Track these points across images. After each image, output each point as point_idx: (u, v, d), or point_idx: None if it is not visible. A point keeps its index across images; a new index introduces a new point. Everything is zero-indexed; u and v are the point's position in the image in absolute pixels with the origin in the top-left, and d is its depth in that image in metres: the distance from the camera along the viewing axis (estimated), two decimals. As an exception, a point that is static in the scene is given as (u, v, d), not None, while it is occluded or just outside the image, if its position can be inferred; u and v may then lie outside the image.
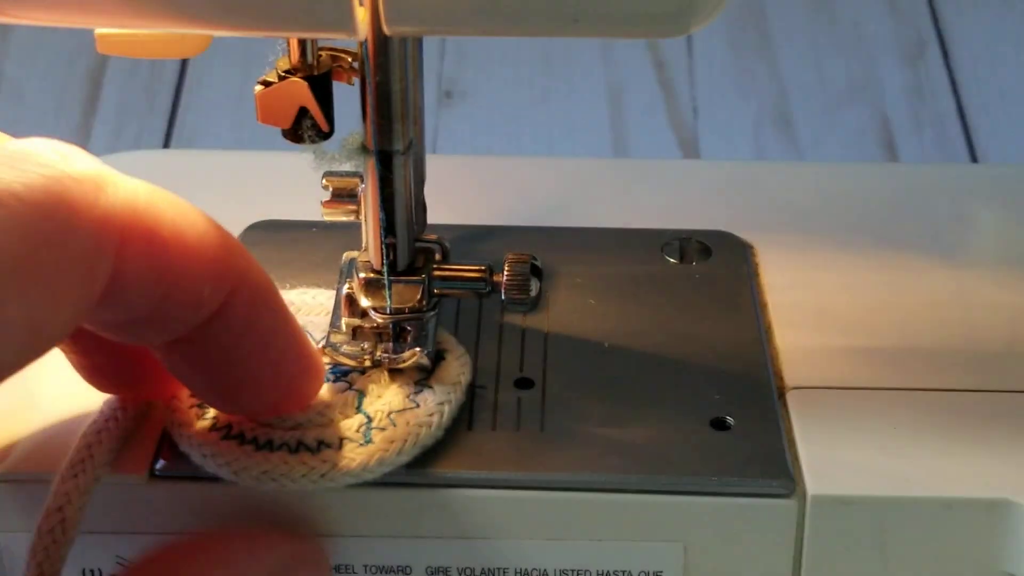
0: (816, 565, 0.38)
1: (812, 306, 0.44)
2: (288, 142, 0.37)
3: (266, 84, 0.37)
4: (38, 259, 0.28)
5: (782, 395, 0.40)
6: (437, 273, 0.40)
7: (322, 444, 0.37)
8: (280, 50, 0.37)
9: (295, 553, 0.36)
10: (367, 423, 0.37)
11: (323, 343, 0.39)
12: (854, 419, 0.39)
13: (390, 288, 0.39)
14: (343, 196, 0.40)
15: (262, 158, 0.52)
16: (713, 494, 0.37)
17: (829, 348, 0.42)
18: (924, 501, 0.37)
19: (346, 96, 0.38)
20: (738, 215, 0.47)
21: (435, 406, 0.38)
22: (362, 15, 0.32)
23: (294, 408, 0.37)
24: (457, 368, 0.39)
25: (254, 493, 0.36)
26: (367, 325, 0.40)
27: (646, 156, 0.82)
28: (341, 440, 0.37)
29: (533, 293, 0.40)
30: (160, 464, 0.37)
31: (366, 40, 0.36)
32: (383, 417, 0.37)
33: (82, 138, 0.83)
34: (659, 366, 0.41)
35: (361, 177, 0.39)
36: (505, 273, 0.40)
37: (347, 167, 0.38)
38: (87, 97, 0.87)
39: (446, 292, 0.40)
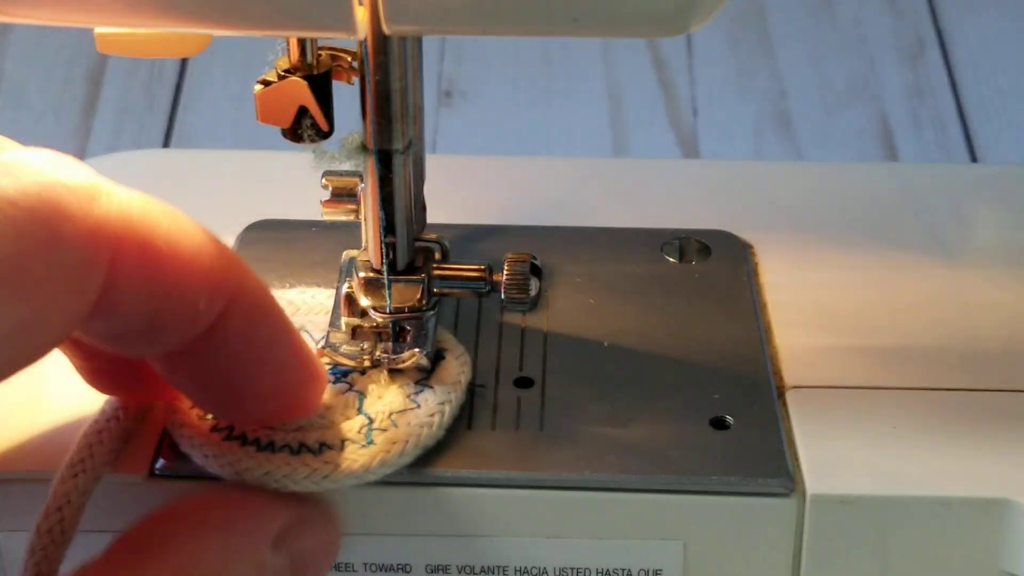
0: (815, 564, 0.38)
1: (812, 305, 0.44)
2: (288, 141, 0.37)
3: (266, 83, 0.37)
4: (29, 265, 0.28)
5: (782, 394, 0.40)
6: (437, 272, 0.40)
7: (324, 446, 0.37)
8: (280, 49, 0.37)
9: (301, 515, 0.36)
10: (368, 424, 0.37)
11: (322, 343, 0.39)
12: (854, 418, 0.39)
13: (390, 287, 0.39)
14: (343, 195, 0.40)
15: (262, 157, 0.52)
16: (713, 493, 0.37)
17: (829, 347, 0.42)
18: (923, 500, 0.37)
19: (346, 95, 0.38)
20: (738, 215, 0.47)
21: (436, 406, 0.38)
22: (362, 14, 0.32)
23: (296, 415, 0.37)
24: (457, 367, 0.39)
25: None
26: (367, 325, 0.40)
27: (646, 156, 0.82)
28: (343, 442, 0.37)
29: (533, 292, 0.40)
30: (160, 464, 0.37)
31: (366, 39, 0.36)
32: (384, 418, 0.37)
33: (82, 137, 0.83)
34: (659, 365, 0.41)
35: (361, 176, 0.39)
36: (505, 272, 0.40)
37: (347, 166, 0.38)
38: (87, 96, 0.87)
39: (446, 291, 0.40)
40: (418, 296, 0.39)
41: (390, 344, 0.39)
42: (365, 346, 0.39)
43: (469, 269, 0.40)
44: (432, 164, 0.41)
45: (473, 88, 0.88)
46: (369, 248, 0.39)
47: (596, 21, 0.32)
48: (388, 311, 0.39)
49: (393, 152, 0.38)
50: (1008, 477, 0.38)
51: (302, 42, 0.36)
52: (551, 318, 0.43)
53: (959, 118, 0.85)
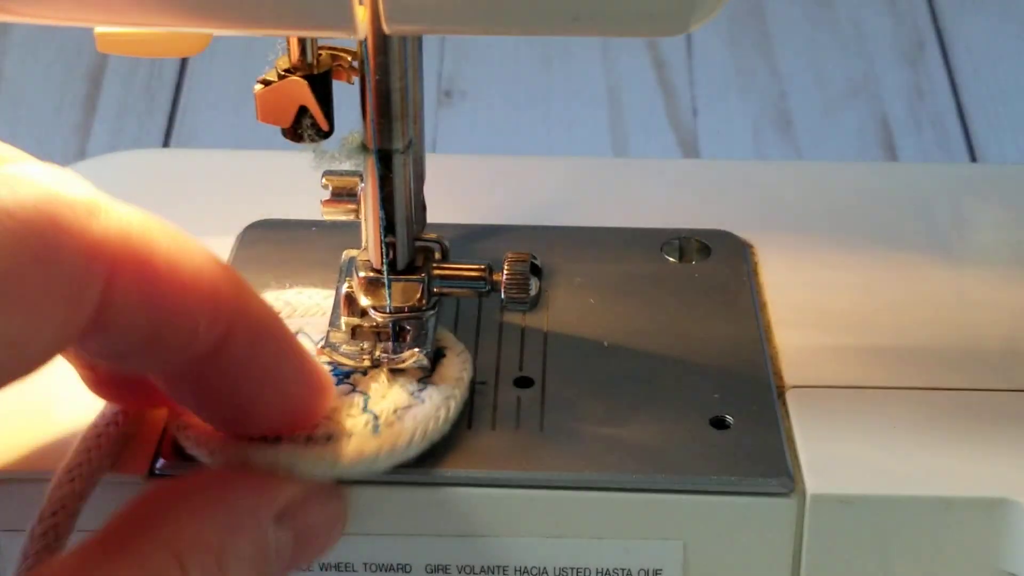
0: (815, 564, 0.38)
1: (811, 305, 0.44)
2: (288, 141, 0.37)
3: (266, 83, 0.37)
4: (23, 276, 0.28)
5: (781, 394, 0.40)
6: (437, 272, 0.40)
7: (331, 438, 0.37)
8: (280, 49, 0.37)
9: (305, 490, 0.35)
10: (375, 420, 0.37)
11: (322, 343, 0.39)
12: (853, 418, 0.39)
13: (390, 287, 0.39)
14: (343, 195, 0.40)
15: (262, 157, 0.52)
16: (713, 493, 0.37)
17: (828, 347, 0.42)
18: (923, 500, 0.37)
19: (346, 95, 0.38)
20: (737, 214, 0.47)
21: (441, 400, 0.38)
22: (362, 14, 0.32)
23: (302, 428, 0.37)
24: (459, 364, 0.39)
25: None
26: (366, 324, 0.40)
27: (645, 155, 0.82)
28: (350, 436, 0.37)
29: (533, 292, 0.40)
30: (160, 464, 0.37)
31: (366, 39, 0.36)
32: (390, 414, 0.37)
33: (82, 137, 0.83)
34: (658, 365, 0.41)
35: (361, 176, 0.39)
36: (505, 272, 0.40)
37: (347, 166, 0.38)
38: (87, 96, 0.87)
39: (446, 291, 0.40)
40: (418, 296, 0.39)
41: (390, 344, 0.39)
42: (365, 346, 0.39)
43: (469, 269, 0.40)
44: (432, 164, 0.41)
45: (473, 88, 0.88)
46: (369, 248, 0.39)
47: (596, 20, 0.31)
48: (388, 311, 0.39)
49: (393, 152, 0.38)
50: (1008, 477, 0.38)
51: (302, 42, 0.36)
52: (551, 318, 0.43)
53: (959, 118, 0.85)
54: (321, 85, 0.36)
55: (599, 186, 0.50)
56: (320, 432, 0.37)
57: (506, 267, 0.40)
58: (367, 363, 0.39)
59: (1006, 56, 0.89)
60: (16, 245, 0.28)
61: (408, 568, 0.38)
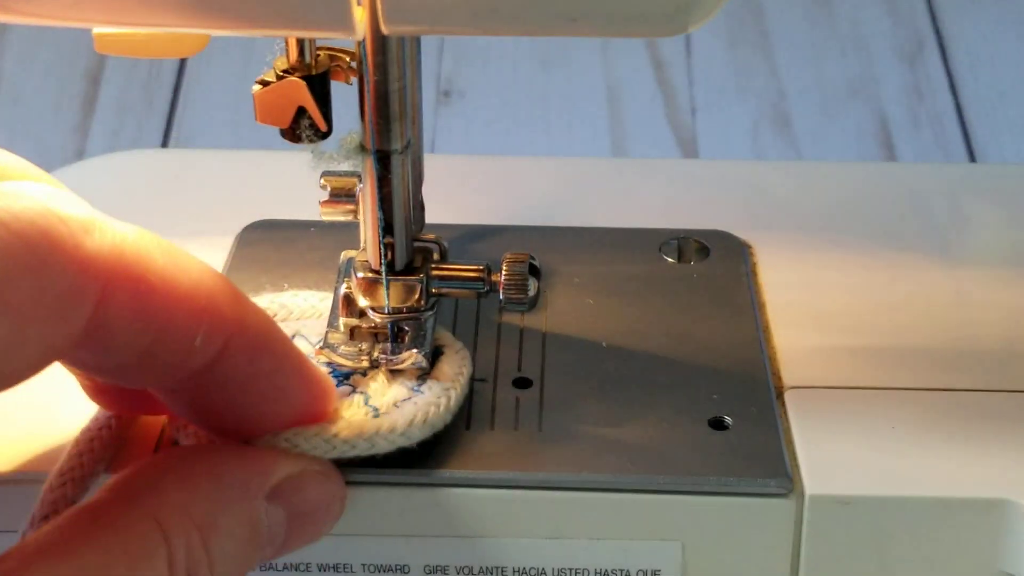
0: (814, 564, 0.38)
1: (810, 306, 0.44)
2: (286, 142, 0.37)
3: (264, 84, 0.36)
4: (12, 286, 0.28)
5: (780, 395, 0.40)
6: (435, 273, 0.40)
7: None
8: (278, 49, 0.37)
9: (301, 468, 0.35)
10: (375, 411, 0.37)
11: (320, 344, 0.39)
12: (852, 419, 0.39)
13: (388, 288, 0.39)
14: (341, 196, 0.40)
15: (260, 158, 0.52)
16: (711, 493, 0.37)
17: (827, 348, 0.42)
18: (922, 501, 0.37)
19: (344, 96, 0.38)
20: (736, 214, 0.47)
21: (441, 391, 0.38)
22: (360, 14, 0.32)
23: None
24: (458, 361, 0.39)
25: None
26: (365, 325, 0.40)
27: (644, 155, 0.82)
28: (351, 421, 0.37)
29: (531, 293, 0.40)
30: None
31: (364, 39, 0.36)
32: (390, 406, 0.37)
33: (80, 137, 0.83)
34: (657, 366, 0.41)
35: (359, 177, 0.39)
36: (503, 273, 0.40)
37: (345, 167, 0.38)
38: (85, 96, 0.87)
39: (444, 292, 0.40)
40: (416, 296, 0.39)
41: (388, 345, 0.39)
42: (363, 347, 0.39)
43: (468, 269, 0.40)
44: (430, 164, 0.41)
45: (471, 88, 0.88)
46: (368, 248, 0.39)
47: (595, 21, 0.31)
48: (386, 311, 0.39)
49: (391, 152, 0.38)
50: (1008, 477, 0.38)
51: (300, 42, 0.36)
52: (550, 318, 0.43)
53: (957, 118, 0.85)
54: (319, 86, 0.36)
55: (598, 186, 0.50)
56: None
57: (504, 268, 0.40)
58: (365, 364, 0.39)
59: (1005, 56, 0.89)
60: (7, 256, 0.28)
61: (407, 569, 0.38)
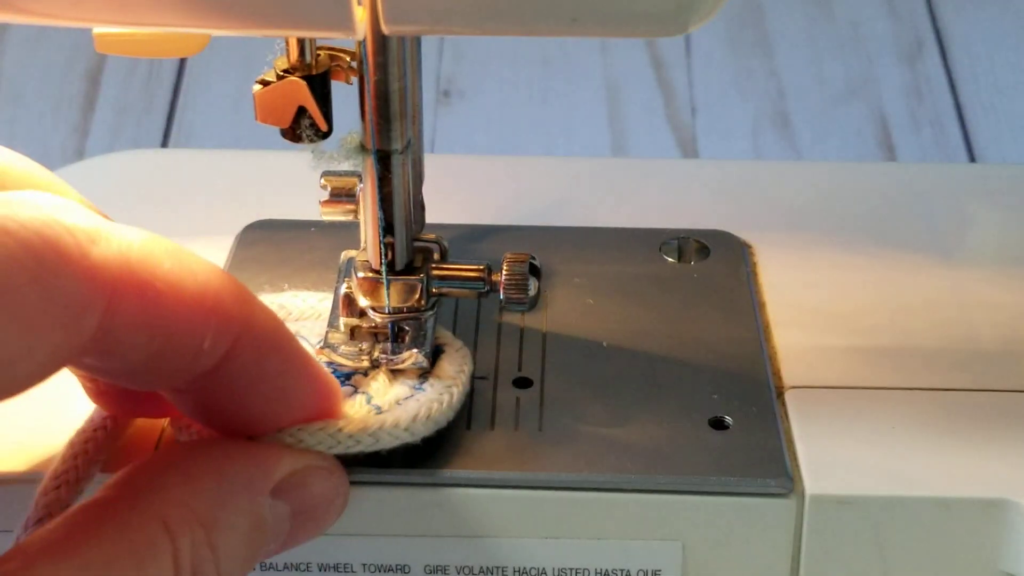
0: (814, 564, 0.38)
1: (810, 305, 0.44)
2: (286, 141, 0.37)
3: (264, 83, 0.36)
4: (19, 296, 0.28)
5: (780, 394, 0.40)
6: (435, 272, 0.40)
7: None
8: (278, 49, 0.37)
9: (304, 463, 0.35)
10: (378, 409, 0.37)
11: (320, 344, 0.39)
12: (852, 419, 0.39)
13: (388, 288, 0.39)
14: (341, 195, 0.40)
15: (260, 157, 0.52)
16: (711, 493, 0.37)
17: (827, 347, 0.42)
18: (922, 500, 0.37)
19: (345, 95, 0.38)
20: (736, 214, 0.47)
21: (443, 387, 0.38)
22: (361, 14, 0.32)
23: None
24: (458, 359, 0.39)
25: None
26: (365, 325, 0.40)
27: (644, 155, 0.82)
28: (355, 418, 0.37)
29: (532, 292, 0.40)
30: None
31: (365, 39, 0.36)
32: (392, 404, 0.37)
33: (80, 137, 0.83)
34: (657, 366, 0.41)
35: (359, 176, 0.39)
36: (504, 272, 0.40)
37: (345, 166, 0.38)
38: (85, 96, 0.87)
39: (444, 292, 0.40)
40: (417, 296, 0.39)
41: (389, 344, 0.39)
42: (363, 346, 0.39)
43: (468, 269, 0.40)
44: (431, 164, 0.41)
45: (471, 88, 0.88)
46: (368, 248, 0.39)
47: (595, 21, 0.31)
48: (387, 311, 0.39)
49: (392, 152, 0.38)
50: (1008, 477, 0.38)
51: (301, 42, 0.36)
52: (550, 318, 0.43)
53: (957, 118, 0.85)
54: (320, 85, 0.36)
55: (598, 186, 0.50)
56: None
57: (505, 267, 0.40)
58: (366, 364, 0.39)
59: (1005, 56, 0.89)
60: (15, 266, 0.28)
61: (407, 569, 0.38)
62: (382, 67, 0.36)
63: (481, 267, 0.40)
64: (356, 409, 0.37)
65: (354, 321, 0.40)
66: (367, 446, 0.36)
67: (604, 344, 0.42)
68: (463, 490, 0.37)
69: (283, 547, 0.35)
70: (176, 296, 0.31)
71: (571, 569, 0.38)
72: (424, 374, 0.39)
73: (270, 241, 0.46)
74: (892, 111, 0.85)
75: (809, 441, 0.39)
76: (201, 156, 0.55)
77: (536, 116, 0.85)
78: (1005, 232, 0.48)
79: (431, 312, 0.40)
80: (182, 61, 0.89)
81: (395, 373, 0.39)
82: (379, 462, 0.37)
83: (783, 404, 0.40)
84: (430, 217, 0.41)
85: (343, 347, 0.39)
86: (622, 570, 0.38)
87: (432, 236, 0.40)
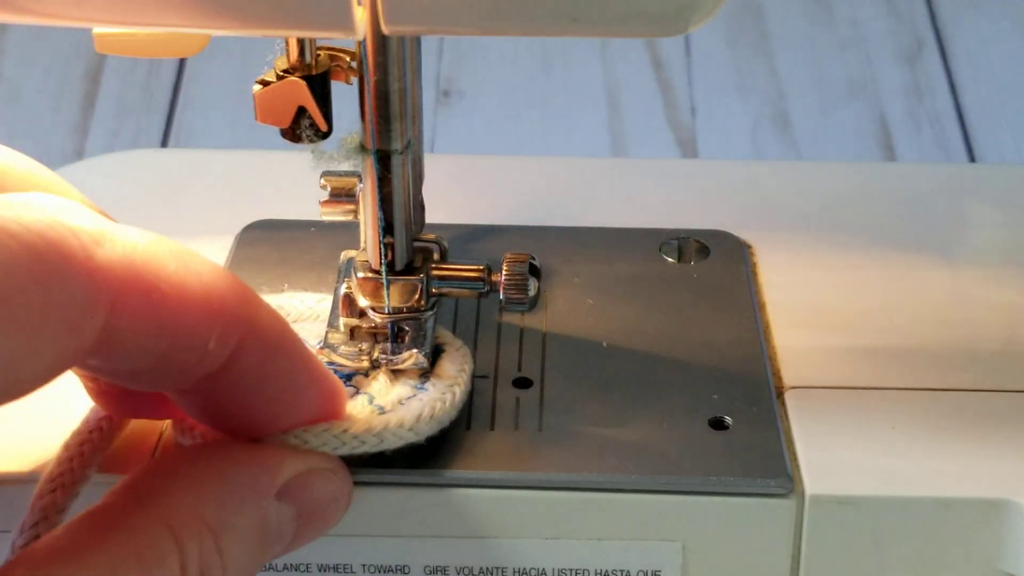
0: (814, 564, 0.38)
1: (810, 305, 0.44)
2: (286, 141, 0.37)
3: (264, 84, 0.36)
4: (23, 298, 0.28)
5: (780, 395, 0.40)
6: (435, 272, 0.40)
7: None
8: (278, 49, 0.37)
9: (308, 464, 0.35)
10: (381, 409, 0.37)
11: (320, 344, 0.39)
12: (852, 419, 0.39)
13: (388, 288, 0.39)
14: (341, 196, 0.40)
15: (260, 157, 0.52)
16: (712, 493, 0.37)
17: (827, 348, 0.42)
18: (922, 501, 0.37)
19: (344, 96, 0.38)
20: (736, 214, 0.47)
21: (445, 387, 0.38)
22: (361, 14, 0.32)
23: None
24: (459, 358, 0.39)
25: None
26: (365, 325, 0.40)
27: (644, 155, 0.82)
28: (358, 418, 0.37)
29: (531, 293, 0.40)
30: (158, 464, 0.37)
31: (365, 39, 0.36)
32: (395, 404, 0.37)
33: (80, 137, 0.83)
34: (657, 366, 0.41)
35: (359, 177, 0.39)
36: (503, 273, 0.39)
37: (345, 167, 0.38)
38: (85, 96, 0.86)
39: (444, 292, 0.40)
40: (416, 296, 0.39)
41: (388, 345, 0.39)
42: (363, 347, 0.39)
43: (468, 269, 0.40)
44: (430, 164, 0.41)
45: (471, 88, 0.87)
46: (368, 248, 0.39)
47: (596, 21, 0.31)
48: (387, 311, 0.39)
49: (392, 152, 0.38)
50: (1008, 477, 0.38)
51: (301, 42, 0.36)
52: (550, 318, 0.43)
53: (957, 118, 0.85)
54: (320, 85, 0.36)
55: (598, 186, 0.50)
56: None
57: (505, 268, 0.40)
58: (365, 364, 0.39)
59: (1005, 56, 0.89)
60: (18, 268, 0.28)
61: (406, 569, 0.38)
62: (382, 67, 0.36)
63: (481, 267, 0.40)
64: (359, 410, 0.37)
65: (354, 321, 0.40)
66: (372, 446, 0.36)
67: (604, 344, 0.42)
68: (463, 490, 0.37)
69: (288, 548, 0.35)
70: (181, 297, 0.31)
71: (571, 569, 0.38)
72: (425, 374, 0.39)
73: (270, 241, 0.46)
74: (892, 111, 0.85)
75: (809, 441, 0.38)
76: (201, 156, 0.55)
77: (536, 116, 0.85)
78: (1005, 232, 0.48)
79: (431, 312, 0.40)
80: (182, 61, 0.89)
81: (396, 373, 0.39)
82: (379, 463, 0.37)
83: (783, 404, 0.40)
84: (430, 217, 0.41)
85: (343, 347, 0.39)
86: (622, 570, 0.38)
87: (432, 236, 0.40)
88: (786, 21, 0.92)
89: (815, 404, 0.40)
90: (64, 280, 0.29)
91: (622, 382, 0.40)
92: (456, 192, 0.48)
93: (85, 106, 0.86)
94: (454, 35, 0.35)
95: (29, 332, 0.28)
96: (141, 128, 0.85)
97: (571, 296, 0.43)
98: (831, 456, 0.38)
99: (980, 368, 0.41)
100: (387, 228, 0.39)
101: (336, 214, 0.40)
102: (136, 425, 0.38)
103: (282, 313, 0.41)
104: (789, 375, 0.41)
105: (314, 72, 0.36)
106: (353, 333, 0.40)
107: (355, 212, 0.40)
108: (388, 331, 0.40)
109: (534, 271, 0.40)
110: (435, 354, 0.40)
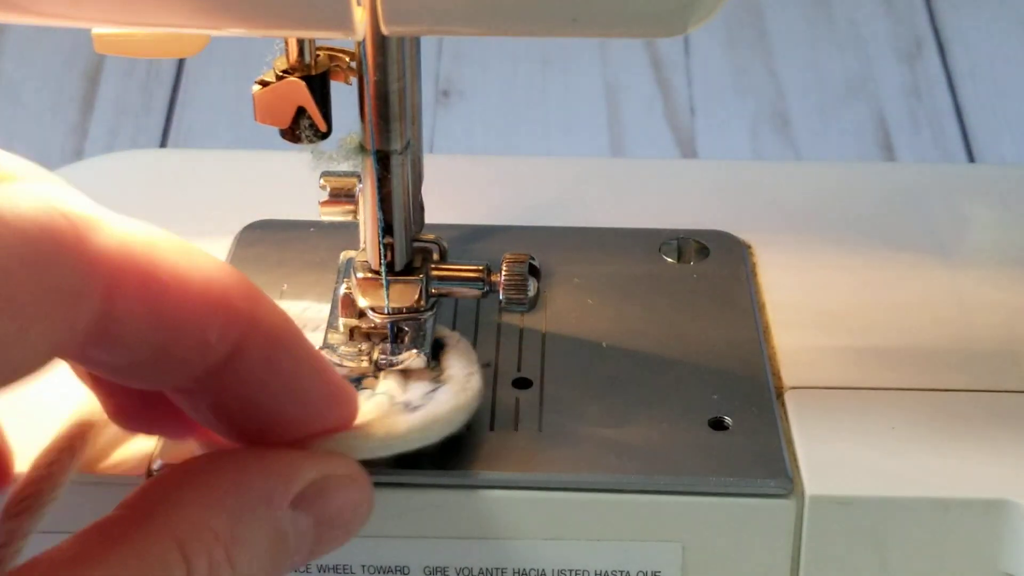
0: (814, 565, 0.38)
1: (810, 306, 0.44)
2: (286, 142, 0.37)
3: (264, 84, 0.36)
4: (14, 283, 0.28)
5: (780, 395, 0.40)
6: (435, 273, 0.40)
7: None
8: (278, 50, 0.37)
9: (325, 473, 0.34)
10: (405, 406, 0.37)
11: (319, 345, 0.39)
12: (852, 419, 0.39)
13: (388, 288, 0.39)
14: (341, 196, 0.40)
15: (260, 158, 0.52)
16: (711, 494, 0.37)
17: (827, 348, 0.42)
18: (922, 501, 0.37)
19: (344, 96, 0.38)
20: (736, 215, 0.47)
21: (464, 377, 0.38)
22: (360, 15, 0.32)
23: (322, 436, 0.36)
24: (463, 349, 0.39)
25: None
26: (365, 325, 0.40)
27: (643, 155, 0.82)
28: (381, 420, 0.37)
29: (531, 293, 0.40)
30: (158, 464, 0.37)
31: (364, 40, 0.36)
32: (420, 398, 0.37)
33: (79, 137, 0.83)
34: (657, 366, 0.41)
35: (359, 177, 0.39)
36: (503, 273, 0.39)
37: (345, 167, 0.38)
38: (84, 96, 0.86)
39: (444, 292, 0.40)
40: (416, 297, 0.39)
41: (388, 345, 0.39)
42: (363, 347, 0.39)
43: (467, 270, 0.40)
44: (430, 164, 0.41)
45: (470, 88, 0.87)
46: (367, 249, 0.39)
47: (595, 21, 0.31)
48: (386, 312, 0.39)
49: (391, 152, 0.38)
50: (1008, 478, 0.38)
51: (300, 42, 0.36)
52: (549, 319, 0.43)
53: (956, 118, 0.85)
54: (319, 86, 0.36)
55: (597, 186, 0.50)
56: None
57: (504, 268, 0.40)
58: (365, 364, 0.39)
59: (1004, 56, 0.89)
60: (10, 254, 0.28)
61: (406, 570, 0.38)
62: (381, 67, 0.36)
63: (480, 268, 0.40)
64: (385, 410, 0.37)
65: (353, 322, 0.40)
66: (420, 441, 0.36)
67: (604, 344, 0.42)
68: (462, 491, 0.37)
69: (309, 557, 0.34)
70: (180, 287, 0.31)
71: (571, 570, 0.38)
72: (436, 377, 0.39)
73: (269, 241, 0.46)
74: (891, 111, 0.85)
75: (809, 442, 0.38)
76: (200, 156, 0.55)
77: (535, 116, 0.85)
78: (1004, 232, 0.48)
79: (430, 312, 0.40)
80: (181, 61, 0.89)
81: (405, 373, 0.39)
82: (379, 463, 0.37)
83: (783, 405, 0.40)
84: (429, 217, 0.41)
85: (342, 348, 0.39)
86: (622, 571, 0.38)
87: (431, 236, 0.40)
88: (785, 21, 0.92)
89: (815, 404, 0.40)
90: (56, 265, 0.29)
91: (622, 382, 0.40)
92: (455, 192, 0.48)
93: (84, 106, 0.86)
94: (454, 35, 0.34)
95: (20, 317, 0.28)
96: (140, 128, 0.85)
97: (571, 296, 0.43)
98: (831, 456, 0.38)
99: (980, 368, 0.41)
100: (386, 228, 0.39)
101: (336, 214, 0.40)
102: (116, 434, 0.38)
103: None
104: (789, 375, 0.41)
105: (313, 72, 0.36)
106: (353, 334, 0.40)
107: (354, 212, 0.40)
108: (388, 331, 0.40)
109: (534, 271, 0.40)
110: (435, 348, 0.40)
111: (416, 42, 0.37)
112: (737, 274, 0.44)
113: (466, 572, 0.38)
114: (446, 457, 0.38)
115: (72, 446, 0.36)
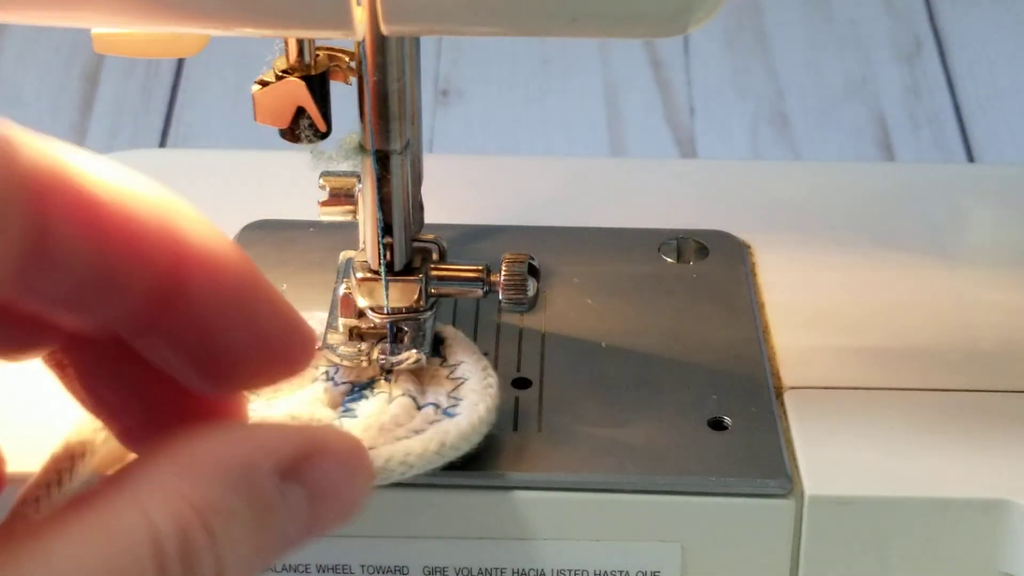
0: (814, 565, 0.38)
1: (809, 306, 0.44)
2: (285, 142, 0.37)
3: (264, 84, 0.36)
4: None
5: (779, 395, 0.40)
6: (434, 273, 0.40)
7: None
8: (277, 50, 0.37)
9: (314, 442, 0.32)
10: (437, 409, 0.37)
11: (319, 344, 0.39)
12: (852, 419, 0.39)
13: (387, 288, 0.39)
14: (340, 196, 0.40)
15: (259, 158, 0.52)
16: (711, 494, 0.37)
17: (826, 348, 0.42)
18: (922, 501, 0.37)
19: (344, 96, 0.38)
20: (735, 214, 0.47)
21: (481, 371, 0.38)
22: (360, 15, 0.32)
23: (286, 377, 0.34)
24: (464, 343, 0.39)
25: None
26: (364, 325, 0.40)
27: (643, 155, 0.82)
28: (419, 431, 0.37)
29: (530, 293, 0.40)
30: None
31: (364, 39, 0.36)
32: (447, 398, 0.38)
33: (78, 137, 0.83)
34: (656, 366, 0.41)
35: (358, 177, 0.39)
36: (502, 273, 0.39)
37: (344, 167, 0.38)
38: (83, 96, 0.86)
39: (443, 292, 0.40)
40: (416, 297, 0.39)
41: (387, 345, 0.39)
42: (362, 347, 0.39)
43: (467, 270, 0.40)
44: (429, 164, 0.41)
45: (470, 87, 0.87)
46: (367, 249, 0.39)
47: (595, 21, 0.31)
48: (386, 312, 0.39)
49: (391, 152, 0.38)
50: (1007, 478, 0.38)
51: (300, 42, 0.36)
52: (549, 319, 0.43)
53: (956, 118, 0.85)
54: (319, 86, 0.36)
55: (596, 186, 0.50)
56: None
57: (504, 268, 0.40)
58: (365, 364, 0.39)
59: (1003, 56, 0.89)
60: None
61: (406, 570, 0.38)
62: (381, 67, 0.36)
63: (480, 268, 0.40)
64: (422, 416, 0.37)
65: (353, 322, 0.40)
66: (468, 444, 0.37)
67: (603, 344, 0.42)
68: (462, 491, 0.37)
69: (307, 534, 0.32)
70: (120, 205, 0.30)
71: (570, 570, 0.38)
72: (450, 375, 0.39)
73: (269, 241, 0.46)
74: (890, 111, 0.85)
75: (808, 442, 0.38)
76: (199, 156, 0.55)
77: (535, 116, 0.85)
78: (1004, 232, 0.48)
79: (430, 312, 0.40)
80: (180, 61, 0.89)
81: (415, 374, 0.39)
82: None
83: (782, 404, 0.40)
84: (429, 217, 0.41)
85: (342, 348, 0.39)
86: (621, 571, 0.38)
87: (431, 236, 0.40)
88: (784, 21, 0.92)
89: (814, 404, 0.40)
90: None
91: (621, 382, 0.40)
92: (455, 192, 0.48)
93: (83, 106, 0.86)
94: (453, 35, 0.34)
95: None
96: (140, 128, 0.85)
97: (570, 296, 0.43)
98: (831, 456, 0.38)
99: (979, 368, 0.41)
100: (386, 228, 0.39)
101: (335, 214, 0.40)
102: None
103: None
104: (788, 375, 0.41)
105: (313, 72, 0.36)
106: (352, 333, 0.40)
107: (354, 212, 0.40)
108: (387, 331, 0.39)
109: (533, 271, 0.40)
110: (435, 343, 0.40)
111: (416, 42, 0.37)
112: (736, 274, 0.44)
113: (465, 572, 0.38)
114: (446, 457, 0.38)
115: (59, 480, 0.34)
